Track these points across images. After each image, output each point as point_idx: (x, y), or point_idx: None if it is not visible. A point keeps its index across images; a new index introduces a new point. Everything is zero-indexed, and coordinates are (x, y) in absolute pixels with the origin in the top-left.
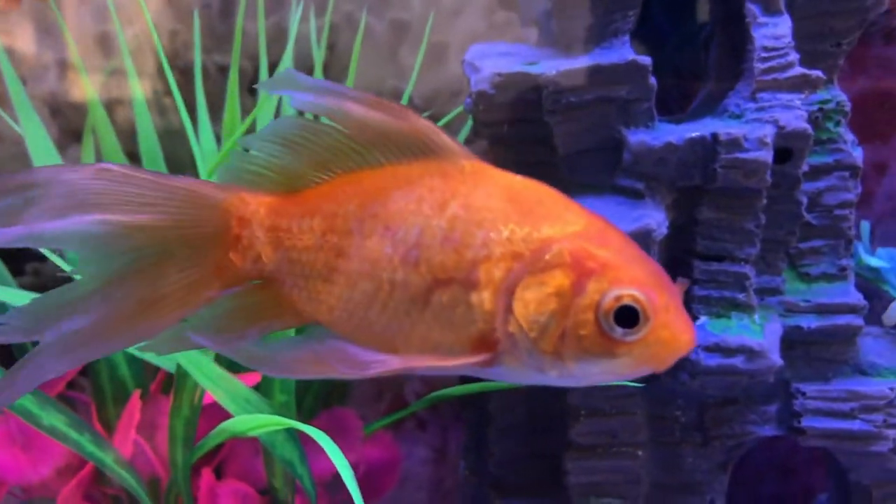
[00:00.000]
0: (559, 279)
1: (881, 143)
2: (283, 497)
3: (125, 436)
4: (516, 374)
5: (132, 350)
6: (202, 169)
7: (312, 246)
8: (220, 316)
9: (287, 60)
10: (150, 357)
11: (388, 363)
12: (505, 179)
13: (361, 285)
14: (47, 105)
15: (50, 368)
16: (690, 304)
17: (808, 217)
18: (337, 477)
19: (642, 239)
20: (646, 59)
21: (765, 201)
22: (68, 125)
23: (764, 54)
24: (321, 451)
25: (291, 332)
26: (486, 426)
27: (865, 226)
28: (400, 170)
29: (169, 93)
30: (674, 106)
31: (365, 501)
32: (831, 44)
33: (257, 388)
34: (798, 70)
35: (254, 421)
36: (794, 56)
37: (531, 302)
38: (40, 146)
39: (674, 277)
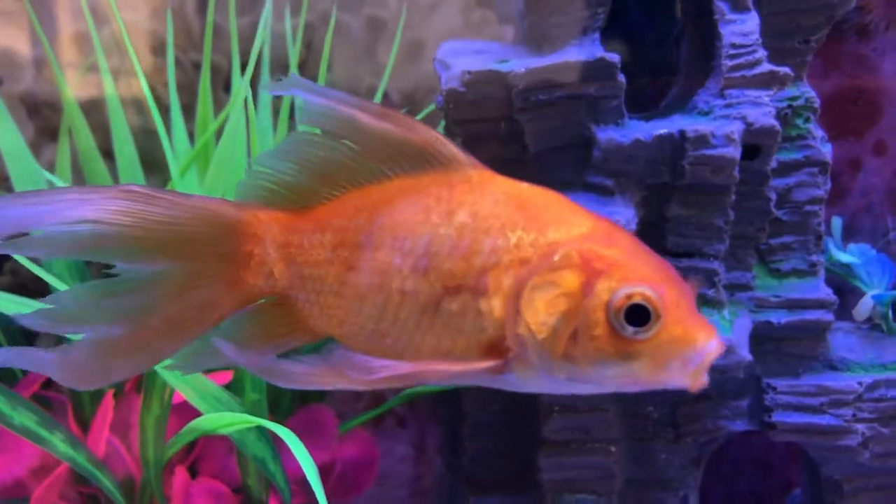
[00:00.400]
0: (568, 280)
1: (855, 140)
2: (257, 495)
3: (99, 435)
4: (528, 381)
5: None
6: (173, 168)
7: (324, 260)
8: (236, 332)
9: (256, 58)
10: None
11: (398, 368)
12: (511, 187)
13: (372, 297)
14: (24, 104)
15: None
16: None
17: (778, 213)
18: None
19: None
20: (614, 57)
21: (734, 197)
22: (45, 124)
23: (732, 51)
24: None
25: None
26: (460, 423)
27: (837, 221)
28: (408, 182)
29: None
30: (649, 104)
31: (343, 498)
32: (799, 40)
33: (228, 386)
34: (766, 67)
35: (223, 419)
36: (762, 53)
37: (540, 303)
38: (11, 144)
39: None
